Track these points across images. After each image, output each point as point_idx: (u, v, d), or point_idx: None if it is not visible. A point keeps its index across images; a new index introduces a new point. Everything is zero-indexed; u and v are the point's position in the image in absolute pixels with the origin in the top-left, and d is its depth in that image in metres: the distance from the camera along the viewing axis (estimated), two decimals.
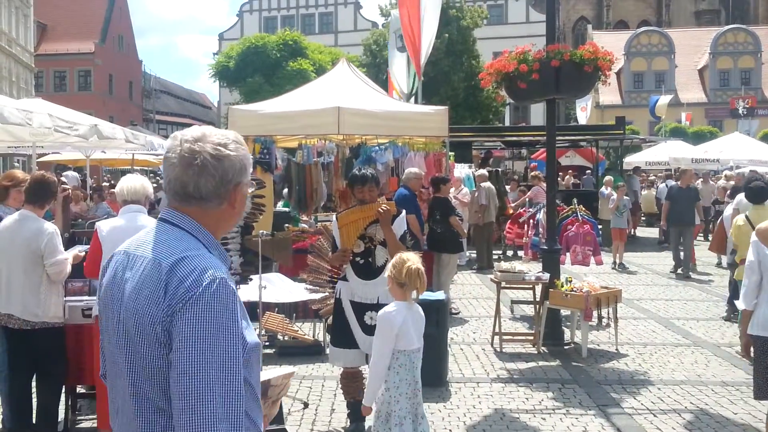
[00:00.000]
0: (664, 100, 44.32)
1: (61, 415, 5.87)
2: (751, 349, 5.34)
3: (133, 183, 5.52)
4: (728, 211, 10.55)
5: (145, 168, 28.47)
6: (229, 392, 1.89)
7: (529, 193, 16.60)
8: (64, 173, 20.46)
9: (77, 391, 6.18)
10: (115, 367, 2.13)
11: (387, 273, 4.93)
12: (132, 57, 68.59)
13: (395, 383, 4.67)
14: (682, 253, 14.72)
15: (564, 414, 6.48)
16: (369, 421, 6.08)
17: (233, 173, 2.15)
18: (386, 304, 5.67)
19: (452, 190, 12.66)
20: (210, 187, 2.12)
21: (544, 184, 14.40)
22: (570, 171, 26.06)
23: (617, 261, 15.57)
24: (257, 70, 42.28)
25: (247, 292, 7.26)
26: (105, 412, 5.27)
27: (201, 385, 1.87)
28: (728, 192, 15.54)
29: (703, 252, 16.35)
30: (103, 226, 5.36)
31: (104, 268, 2.24)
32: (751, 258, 5.24)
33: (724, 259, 14.79)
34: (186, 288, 1.94)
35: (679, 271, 14.63)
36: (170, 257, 2.02)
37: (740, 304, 5.45)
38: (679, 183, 15.41)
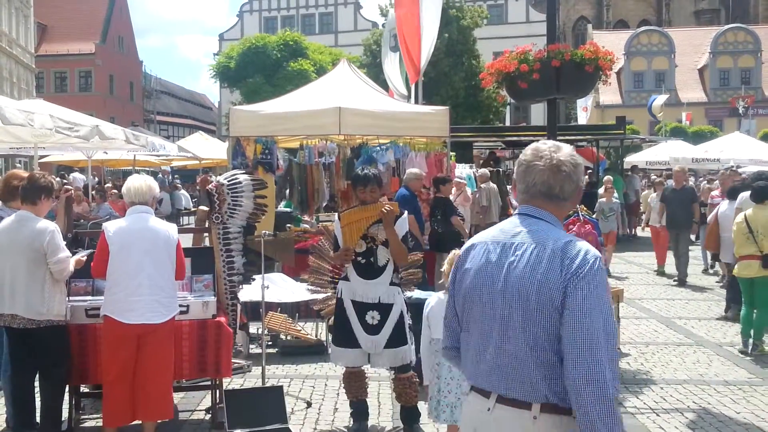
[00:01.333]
0: (660, 100, 44.29)
1: (65, 415, 5.88)
2: None
3: (139, 184, 5.53)
4: (723, 208, 10.66)
5: (147, 168, 28.49)
6: (610, 344, 2.51)
7: None
8: (72, 174, 20.50)
9: (81, 390, 6.18)
10: (483, 331, 2.74)
11: (443, 268, 5.26)
12: (132, 57, 68.61)
13: (445, 378, 4.95)
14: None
15: None
16: (372, 420, 6.11)
17: (581, 178, 2.78)
18: (388, 304, 5.72)
19: (453, 191, 12.66)
20: (570, 190, 2.74)
21: None
22: (590, 171, 25.93)
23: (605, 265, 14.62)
24: (258, 70, 42.33)
25: (250, 292, 7.28)
26: (111, 411, 5.29)
27: (590, 337, 2.47)
28: (713, 191, 15.05)
29: (695, 252, 16.20)
30: (110, 227, 5.38)
31: (463, 258, 2.87)
32: None
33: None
34: (577, 265, 2.55)
35: (674, 280, 13.78)
36: (557, 241, 2.63)
37: None
38: (672, 184, 14.56)
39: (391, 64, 19.71)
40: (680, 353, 8.60)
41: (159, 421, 5.47)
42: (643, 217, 17.91)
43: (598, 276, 2.55)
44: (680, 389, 7.21)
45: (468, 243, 2.90)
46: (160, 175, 31.07)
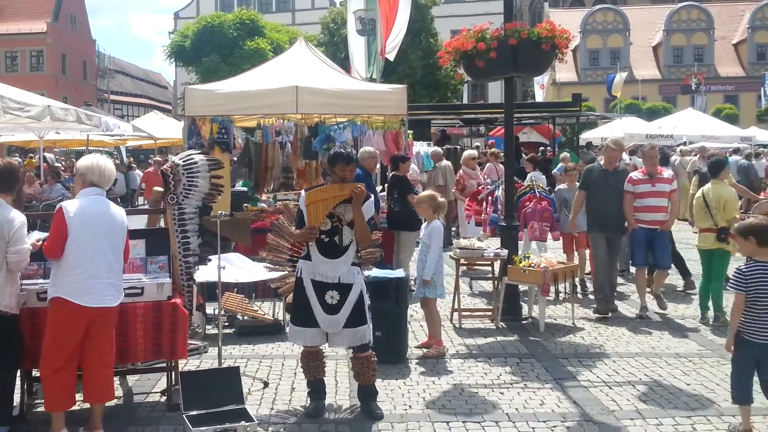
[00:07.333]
0: (620, 78, 44.80)
1: (17, 400, 5.80)
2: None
3: (111, 168, 5.52)
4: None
5: (101, 148, 28.03)
6: None
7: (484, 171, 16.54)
8: (48, 155, 20.15)
9: (33, 374, 6.09)
10: None
11: (420, 207, 7.77)
12: (85, 36, 67.22)
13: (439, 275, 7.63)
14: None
15: (522, 388, 6.58)
16: (329, 399, 6.14)
17: None
18: (347, 284, 5.74)
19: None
20: None
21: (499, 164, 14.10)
22: (547, 148, 26.04)
23: (578, 284, 10.40)
24: (214, 49, 41.77)
25: (206, 273, 7.23)
26: (58, 395, 5.22)
27: None
28: (632, 173, 13.16)
29: None
30: (69, 207, 5.26)
31: None
32: None
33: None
34: None
35: (593, 312, 9.32)
36: None
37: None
38: (601, 163, 10.06)
39: (357, 49, 19.61)
40: (633, 327, 8.75)
41: (114, 404, 5.44)
42: None
43: None
44: (632, 362, 7.34)
45: None
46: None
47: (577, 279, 9.96)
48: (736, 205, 8.96)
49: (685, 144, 24.12)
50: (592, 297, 9.96)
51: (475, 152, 13.76)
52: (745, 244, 5.53)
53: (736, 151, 24.33)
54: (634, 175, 9.34)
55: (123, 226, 5.47)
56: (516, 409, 6.07)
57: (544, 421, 5.78)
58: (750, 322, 5.34)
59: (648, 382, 6.75)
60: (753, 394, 5.44)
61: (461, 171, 13.78)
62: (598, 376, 6.90)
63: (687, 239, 13.74)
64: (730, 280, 5.49)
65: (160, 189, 6.90)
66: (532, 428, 5.65)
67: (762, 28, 59.49)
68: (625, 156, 16.23)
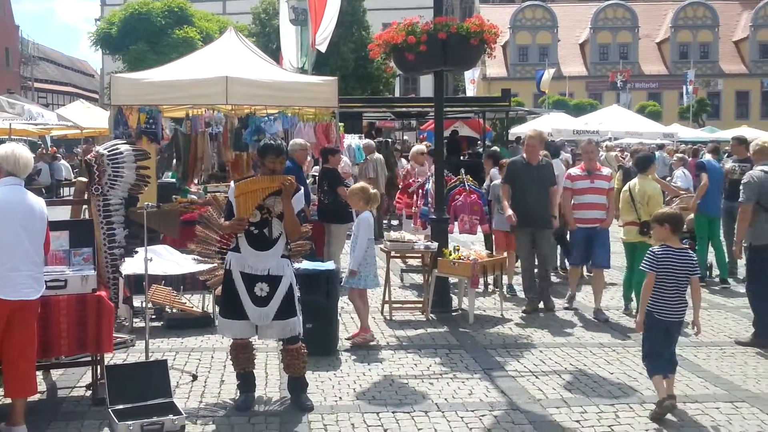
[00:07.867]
0: (548, 75, 45.62)
1: None
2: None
3: (28, 156, 5.33)
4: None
5: (24, 138, 27.22)
6: None
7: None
8: None
9: None
10: None
11: (351, 198, 7.82)
12: (8, 22, 64.94)
13: (371, 266, 7.72)
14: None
15: (451, 378, 6.66)
16: (259, 392, 6.12)
17: None
18: (277, 276, 5.72)
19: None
20: None
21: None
22: (477, 141, 26.14)
23: (507, 281, 10.29)
24: (141, 37, 40.87)
25: (133, 265, 7.11)
26: None
27: None
28: (571, 170, 12.67)
29: None
30: None
31: None
32: None
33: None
34: None
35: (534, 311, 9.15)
36: None
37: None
38: (524, 155, 9.49)
39: (289, 39, 19.43)
40: (559, 318, 8.94)
41: (37, 399, 5.30)
42: None
43: None
44: (558, 352, 7.51)
45: None
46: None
47: (505, 280, 10.08)
48: (660, 200, 9.21)
49: (610, 140, 24.73)
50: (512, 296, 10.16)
51: (423, 147, 13.53)
52: (660, 231, 5.91)
53: (660, 147, 25.09)
54: (573, 171, 9.38)
55: (42, 216, 5.31)
56: (445, 399, 6.14)
57: (473, 411, 5.86)
58: (659, 302, 5.77)
59: (573, 371, 6.91)
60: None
61: (409, 166, 13.23)
62: (525, 366, 7.03)
63: (612, 232, 14.05)
64: (643, 261, 5.90)
65: (84, 179, 6.74)
66: (461, 417, 5.73)
67: (684, 27, 61.36)
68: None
